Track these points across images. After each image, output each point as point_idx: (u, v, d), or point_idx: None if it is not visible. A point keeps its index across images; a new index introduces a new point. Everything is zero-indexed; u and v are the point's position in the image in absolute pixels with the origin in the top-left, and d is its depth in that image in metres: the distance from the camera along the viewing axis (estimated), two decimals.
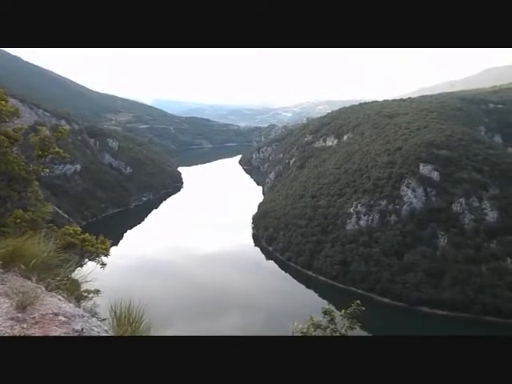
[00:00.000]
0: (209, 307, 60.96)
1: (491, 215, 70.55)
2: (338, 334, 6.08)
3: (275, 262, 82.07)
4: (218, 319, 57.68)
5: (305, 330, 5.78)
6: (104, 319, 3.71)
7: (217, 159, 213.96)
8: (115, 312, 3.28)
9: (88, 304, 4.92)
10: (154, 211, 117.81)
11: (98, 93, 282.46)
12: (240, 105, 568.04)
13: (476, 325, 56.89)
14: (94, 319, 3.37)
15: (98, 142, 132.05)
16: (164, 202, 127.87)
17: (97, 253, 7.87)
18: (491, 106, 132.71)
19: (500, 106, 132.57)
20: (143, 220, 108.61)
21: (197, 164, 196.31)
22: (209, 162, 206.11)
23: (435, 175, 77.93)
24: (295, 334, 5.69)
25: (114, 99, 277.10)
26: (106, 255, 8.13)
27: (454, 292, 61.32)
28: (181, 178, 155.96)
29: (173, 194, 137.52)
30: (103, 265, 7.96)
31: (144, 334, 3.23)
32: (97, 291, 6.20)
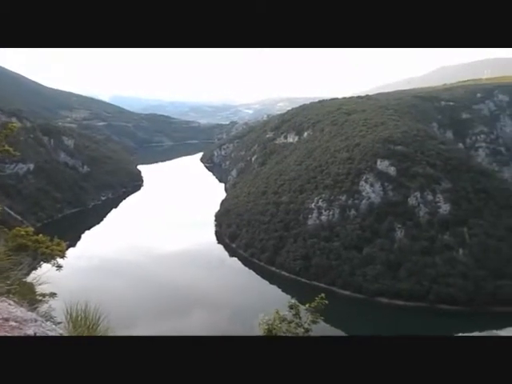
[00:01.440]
0: (172, 306, 60.19)
1: (444, 208, 73.99)
2: (302, 328, 6.16)
3: (239, 258, 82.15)
4: (182, 318, 57.06)
5: (270, 323, 5.82)
6: (59, 323, 3.55)
7: (178, 157, 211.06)
8: (71, 315, 3.15)
9: (43, 308, 4.69)
10: (114, 211, 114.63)
11: (52, 89, 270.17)
12: (201, 102, 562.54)
13: (431, 313, 59.64)
14: (49, 323, 3.22)
15: (52, 140, 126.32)
16: (123, 202, 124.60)
17: (52, 254, 7.50)
18: (443, 103, 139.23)
19: (451, 103, 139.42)
20: (102, 220, 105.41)
21: (157, 162, 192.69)
22: (169, 159, 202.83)
23: (392, 170, 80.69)
24: (261, 327, 5.72)
25: (68, 96, 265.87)
26: (62, 257, 7.77)
27: (410, 282, 63.86)
28: (141, 177, 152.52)
29: (133, 193, 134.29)
30: (59, 267, 7.61)
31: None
32: (52, 294, 5.92)
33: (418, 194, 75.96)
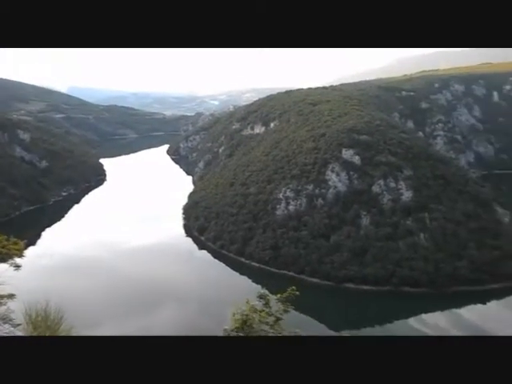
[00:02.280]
0: (141, 302, 59.23)
1: (406, 195, 76.54)
2: (272, 317, 6.18)
3: (208, 251, 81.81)
4: (151, 314, 56.31)
5: (246, 313, 5.80)
6: (18, 324, 3.36)
7: (143, 149, 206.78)
8: (30, 316, 2.97)
9: (0, 310, 4.43)
10: (76, 206, 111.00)
11: (4, 79, 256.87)
12: (165, 93, 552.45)
13: (397, 296, 62.00)
14: (7, 325, 3.03)
15: (6, 134, 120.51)
16: (86, 197, 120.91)
17: (9, 254, 7.10)
18: (404, 93, 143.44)
19: (412, 93, 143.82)
20: (64, 216, 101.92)
21: (121, 155, 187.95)
22: (134, 152, 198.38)
23: (356, 159, 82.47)
24: (236, 318, 5.69)
25: (22, 86, 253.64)
26: (20, 256, 7.37)
27: (375, 267, 65.90)
28: (103, 170, 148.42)
29: (96, 188, 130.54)
30: (17, 267, 7.21)
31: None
32: (11, 295, 5.61)
33: (381, 181, 78.11)
